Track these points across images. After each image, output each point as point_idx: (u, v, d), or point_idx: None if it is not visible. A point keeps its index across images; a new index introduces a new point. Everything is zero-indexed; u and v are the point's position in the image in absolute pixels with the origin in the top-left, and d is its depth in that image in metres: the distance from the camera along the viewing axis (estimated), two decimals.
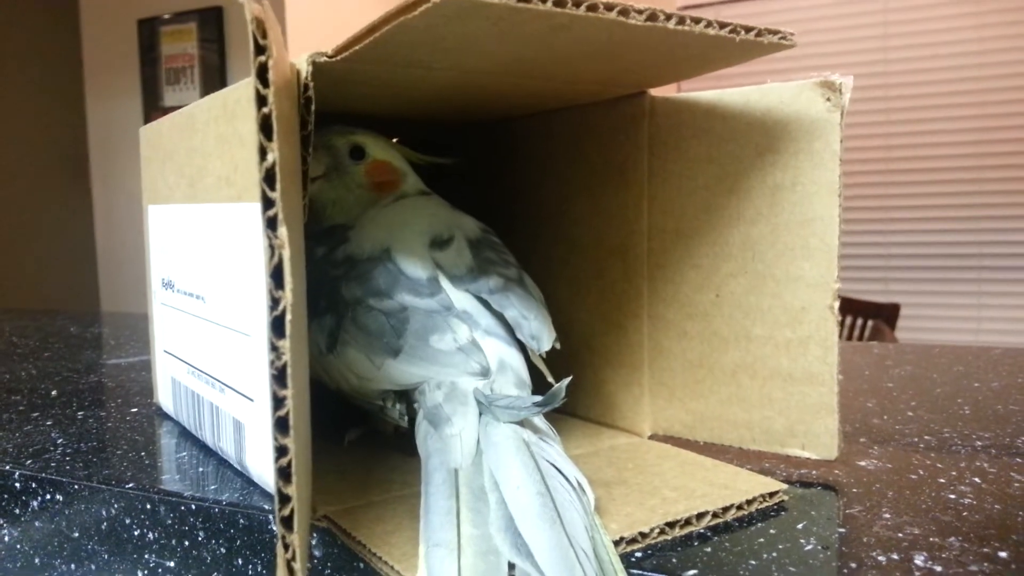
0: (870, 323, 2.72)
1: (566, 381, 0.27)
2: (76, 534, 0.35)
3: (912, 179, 3.07)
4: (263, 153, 0.21)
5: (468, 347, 0.31)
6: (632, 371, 0.39)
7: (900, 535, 0.27)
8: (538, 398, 0.28)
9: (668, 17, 0.27)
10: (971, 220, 3.00)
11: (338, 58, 0.28)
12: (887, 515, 0.29)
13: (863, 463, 0.35)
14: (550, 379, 0.34)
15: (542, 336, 0.33)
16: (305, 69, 0.29)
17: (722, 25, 0.29)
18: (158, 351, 0.45)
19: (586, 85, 0.37)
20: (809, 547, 0.26)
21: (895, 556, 0.25)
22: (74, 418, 0.46)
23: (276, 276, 0.21)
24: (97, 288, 2.66)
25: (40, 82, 3.04)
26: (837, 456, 0.34)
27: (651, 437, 0.38)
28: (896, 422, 0.42)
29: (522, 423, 0.28)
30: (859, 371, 0.55)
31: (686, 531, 0.28)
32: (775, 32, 0.30)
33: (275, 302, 0.21)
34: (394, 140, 0.43)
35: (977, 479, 0.33)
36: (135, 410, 0.48)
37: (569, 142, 0.42)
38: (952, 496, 0.31)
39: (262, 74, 0.21)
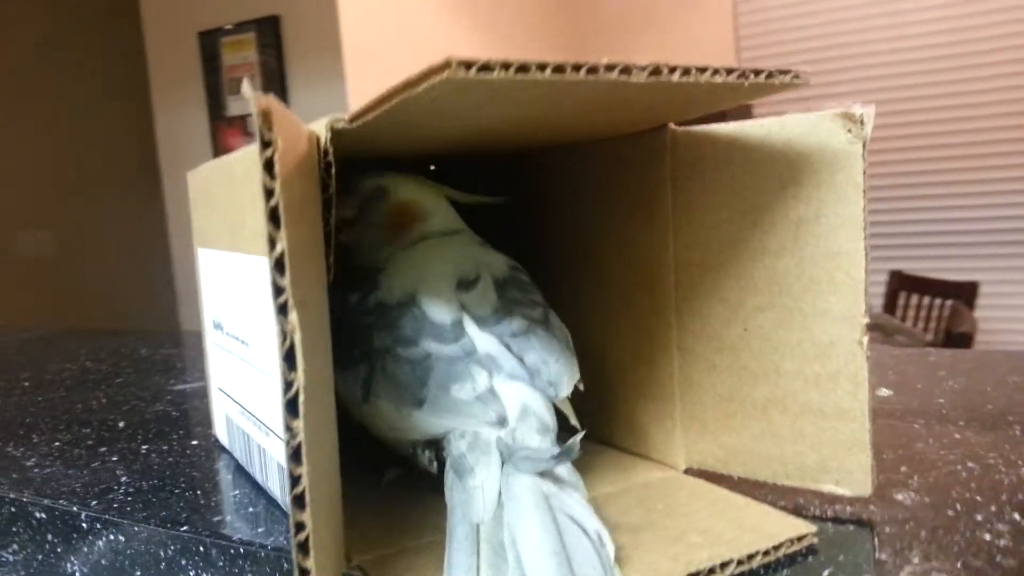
0: (948, 303, 2.63)
1: (579, 436, 0.28)
2: (138, 573, 0.38)
3: (991, 151, 2.95)
4: (272, 243, 0.22)
5: (486, 396, 0.32)
6: (664, 404, 0.39)
7: None
8: (556, 450, 0.29)
9: (672, 70, 0.27)
10: None
11: (354, 125, 0.29)
12: (916, 559, 0.29)
13: (900, 496, 0.35)
14: (574, 422, 0.35)
15: (561, 381, 0.34)
16: (324, 135, 0.30)
17: (729, 71, 0.29)
18: (213, 387, 0.47)
19: (602, 127, 0.37)
20: None
21: None
22: (138, 452, 0.48)
23: (288, 359, 0.22)
24: (175, 303, 2.76)
25: (107, 96, 3.16)
26: (872, 491, 0.33)
27: (686, 471, 0.38)
28: (941, 446, 0.41)
29: (543, 473, 0.29)
30: (911, 385, 0.54)
31: None
32: (786, 72, 0.30)
33: (288, 385, 0.22)
34: (437, 178, 0.44)
35: (1017, 515, 0.32)
36: (195, 442, 0.50)
37: (595, 175, 0.42)
38: (988, 537, 0.30)
39: (269, 167, 0.22)
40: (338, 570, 0.28)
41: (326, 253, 0.31)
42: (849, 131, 0.33)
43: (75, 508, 0.40)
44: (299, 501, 0.22)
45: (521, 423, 0.32)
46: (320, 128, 0.30)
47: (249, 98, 0.22)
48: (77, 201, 3.10)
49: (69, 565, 0.40)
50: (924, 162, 3.06)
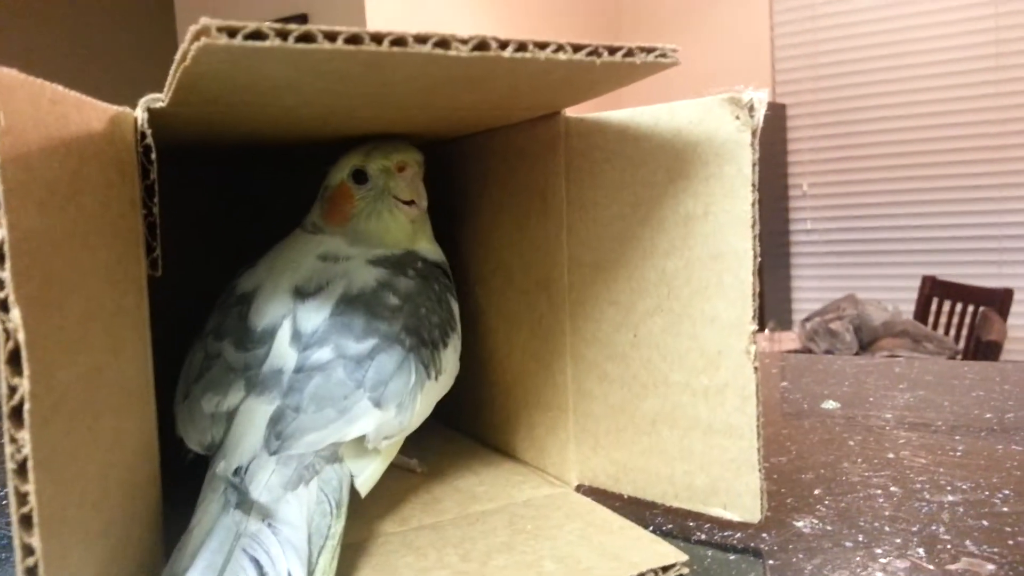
0: (981, 310, 2.54)
1: (275, 499, 0.26)
2: None
3: (1013, 155, 2.84)
4: None
5: (219, 415, 0.29)
6: (558, 414, 0.36)
7: None
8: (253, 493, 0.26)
9: (503, 45, 0.24)
10: None
11: (168, 103, 0.27)
12: None
13: (800, 523, 0.31)
14: (360, 484, 0.30)
15: (357, 416, 0.29)
16: (141, 116, 0.28)
17: (577, 48, 0.25)
18: None
19: (484, 113, 0.34)
20: None
21: None
22: None
23: (13, 362, 0.20)
24: None
25: (141, 90, 3.21)
26: (763, 517, 0.30)
27: (579, 487, 0.35)
28: (872, 467, 0.37)
29: (251, 508, 0.26)
30: (864, 396, 0.50)
31: None
32: (650, 50, 0.27)
33: (12, 390, 0.20)
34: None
35: (922, 551, 0.28)
36: None
37: (499, 165, 0.39)
38: (880, 575, 0.27)
39: None
40: None
41: (151, 242, 0.29)
42: (737, 118, 0.29)
43: None
44: (26, 521, 0.20)
45: (237, 453, 0.28)
46: (138, 110, 0.28)
47: None
48: None
49: None
50: (964, 164, 2.97)
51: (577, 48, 0.25)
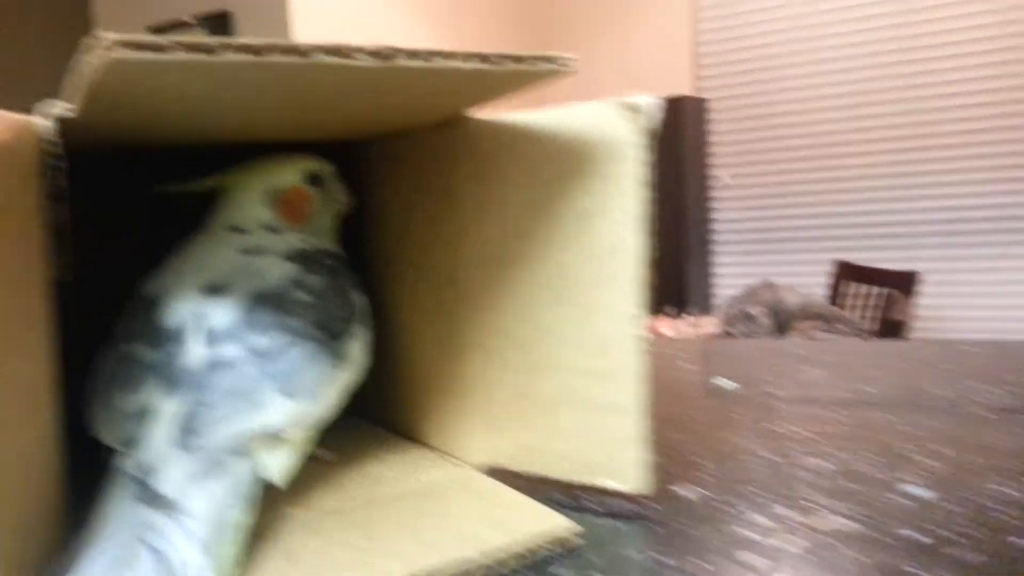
0: (888, 292, 2.67)
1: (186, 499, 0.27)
2: None
3: (936, 143, 3.00)
4: None
5: (131, 413, 0.30)
6: (464, 401, 0.38)
7: None
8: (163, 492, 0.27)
9: (404, 54, 0.26)
10: (993, 183, 2.92)
11: (76, 113, 0.27)
12: (671, 561, 0.28)
13: (688, 493, 0.34)
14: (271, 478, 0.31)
15: (271, 411, 0.30)
16: (47, 125, 0.28)
17: (471, 56, 0.27)
18: None
19: (393, 117, 0.36)
20: None
21: None
22: None
23: None
24: None
25: (56, 87, 3.08)
26: (651, 487, 0.33)
27: (485, 469, 0.37)
28: (760, 440, 0.40)
29: (159, 503, 0.27)
30: (763, 376, 0.53)
31: None
32: (549, 59, 0.29)
33: None
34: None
35: (796, 515, 0.31)
36: None
37: (410, 166, 0.41)
38: (757, 538, 0.30)
39: None
40: None
41: (60, 249, 0.29)
42: (631, 122, 0.32)
43: None
44: None
45: (144, 448, 0.29)
46: (46, 119, 0.29)
47: None
48: None
49: None
50: (873, 155, 3.11)
51: (472, 57, 0.27)
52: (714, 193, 3.58)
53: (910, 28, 3.02)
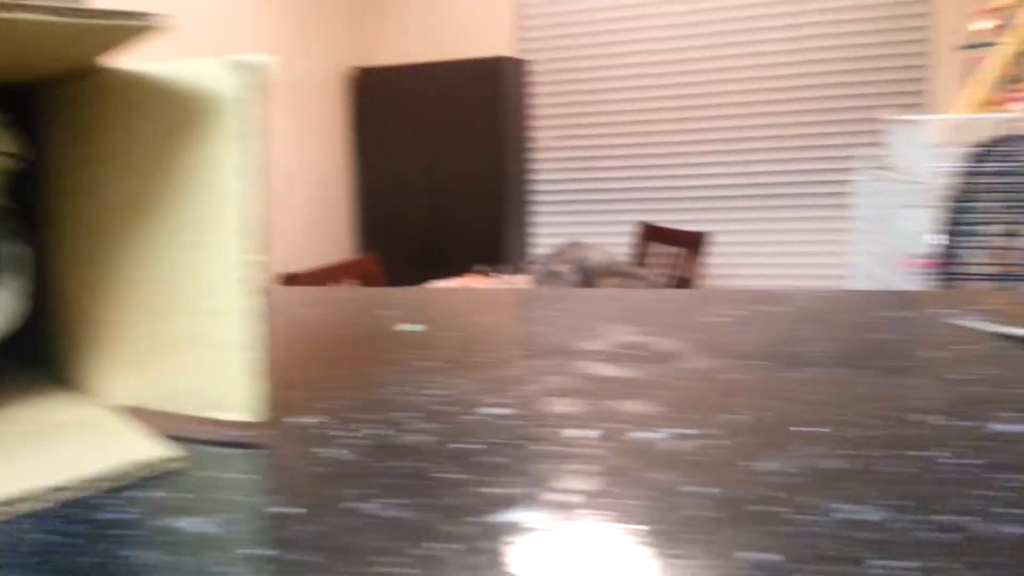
0: (682, 251, 2.87)
1: None
2: None
3: (730, 113, 3.23)
4: None
5: None
6: (107, 343, 0.40)
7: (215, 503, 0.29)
8: None
9: None
10: (777, 151, 3.19)
11: None
12: (261, 478, 0.31)
13: (309, 420, 0.38)
14: None
15: None
16: None
17: (53, 10, 0.29)
18: None
19: (12, 66, 0.36)
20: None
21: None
22: None
23: None
24: None
25: None
26: (269, 419, 0.36)
27: (116, 407, 0.39)
28: (411, 371, 0.45)
29: None
30: (453, 318, 0.58)
31: None
32: (138, 15, 0.31)
33: None
34: None
35: (392, 433, 0.36)
36: None
37: (62, 115, 0.41)
38: (347, 456, 0.34)
39: None
40: None
41: None
42: (238, 78, 0.34)
43: None
44: None
45: None
46: None
47: None
48: None
49: None
50: (676, 122, 3.32)
51: (57, 11, 0.29)
52: (533, 154, 3.68)
53: (719, 12, 3.21)
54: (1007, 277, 1.16)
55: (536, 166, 3.69)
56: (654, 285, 2.70)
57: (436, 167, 3.57)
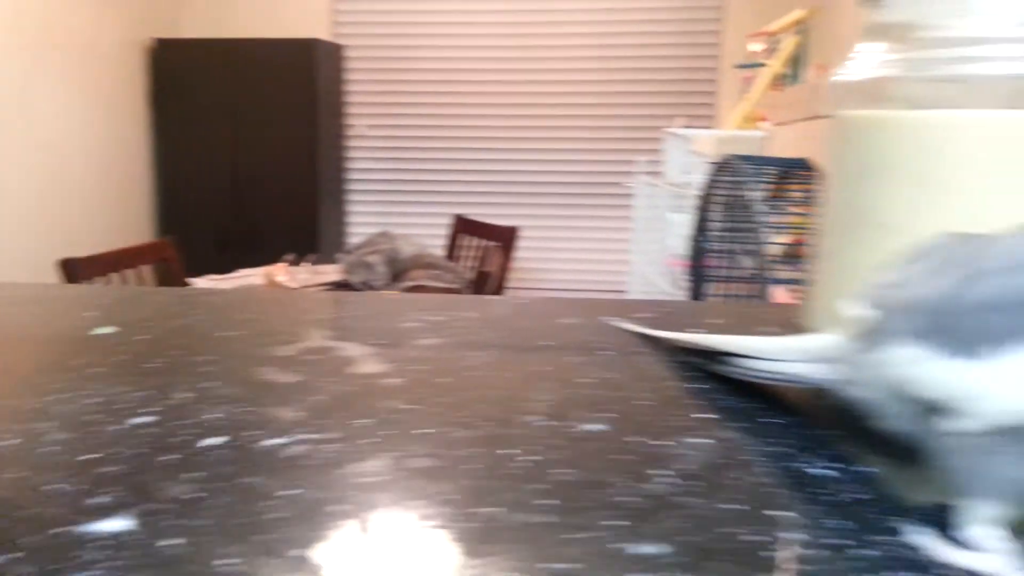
0: (488, 245, 2.94)
1: None
2: None
3: (543, 113, 3.34)
4: None
5: None
6: None
7: None
8: None
9: None
10: (584, 153, 3.34)
11: None
12: None
13: None
14: None
15: None
16: None
17: None
18: None
19: None
20: None
21: None
22: None
23: None
24: None
25: None
26: None
27: None
28: (63, 370, 0.44)
29: None
30: (151, 319, 0.57)
31: None
32: None
33: None
34: None
35: (101, 416, 0.35)
36: None
37: None
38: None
39: None
40: None
41: None
42: None
43: None
44: None
45: None
46: None
47: None
48: None
49: None
50: (491, 118, 3.39)
51: None
52: (349, 142, 3.63)
53: (532, 15, 3.31)
54: (740, 280, 1.29)
55: (352, 154, 3.64)
56: (463, 277, 2.76)
57: (243, 148, 3.44)
